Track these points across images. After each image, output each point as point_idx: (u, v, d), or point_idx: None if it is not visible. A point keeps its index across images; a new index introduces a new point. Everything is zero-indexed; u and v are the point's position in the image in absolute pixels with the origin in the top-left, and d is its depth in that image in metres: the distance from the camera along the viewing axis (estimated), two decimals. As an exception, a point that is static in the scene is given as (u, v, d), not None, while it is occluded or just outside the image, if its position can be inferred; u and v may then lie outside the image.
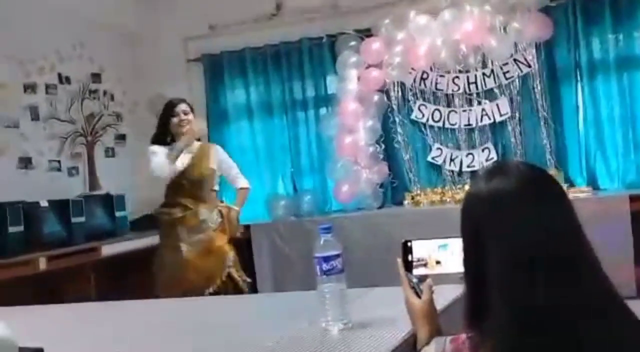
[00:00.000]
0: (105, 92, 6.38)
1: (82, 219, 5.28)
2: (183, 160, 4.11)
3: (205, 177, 4.18)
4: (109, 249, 5.39)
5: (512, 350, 1.16)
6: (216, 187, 4.34)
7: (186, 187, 4.15)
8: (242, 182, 4.41)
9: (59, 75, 5.89)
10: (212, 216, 4.17)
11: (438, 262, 1.54)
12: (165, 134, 4.19)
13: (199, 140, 4.29)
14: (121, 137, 6.53)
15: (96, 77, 6.28)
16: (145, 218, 6.36)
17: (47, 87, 5.75)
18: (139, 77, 6.70)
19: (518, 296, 1.16)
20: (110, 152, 6.38)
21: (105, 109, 6.36)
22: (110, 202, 5.72)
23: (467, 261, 1.29)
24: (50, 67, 5.80)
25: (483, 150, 5.89)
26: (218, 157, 4.30)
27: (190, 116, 4.19)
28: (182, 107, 4.18)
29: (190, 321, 2.17)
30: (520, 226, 1.20)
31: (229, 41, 6.61)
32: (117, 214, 5.74)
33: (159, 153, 4.09)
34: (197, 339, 1.90)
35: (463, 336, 1.29)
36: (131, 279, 5.74)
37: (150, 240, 5.95)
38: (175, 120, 4.15)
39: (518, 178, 1.24)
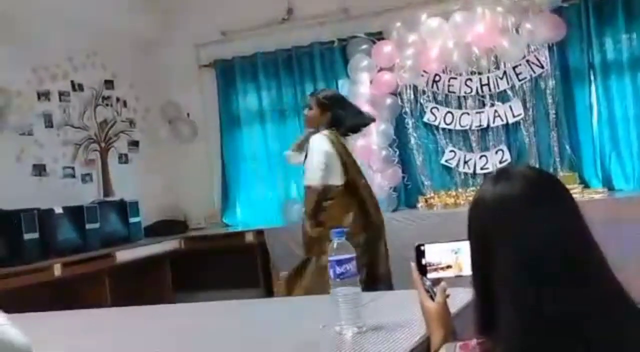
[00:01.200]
0: (118, 99, 6.42)
1: (96, 225, 5.31)
2: None
3: None
4: (123, 255, 5.42)
5: None
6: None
7: None
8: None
9: (72, 82, 5.93)
10: None
11: (449, 266, 1.54)
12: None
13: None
14: (134, 144, 6.56)
15: (109, 84, 6.32)
16: (159, 224, 6.41)
17: (61, 94, 5.80)
18: (152, 84, 6.74)
19: (526, 300, 1.16)
20: (123, 159, 6.41)
21: (118, 116, 6.40)
22: (124, 209, 5.75)
23: (475, 266, 1.28)
24: (64, 75, 5.85)
25: (496, 152, 5.86)
26: None
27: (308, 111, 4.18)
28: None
29: (206, 325, 2.17)
30: (526, 229, 1.19)
31: (240, 46, 6.64)
32: (131, 220, 5.77)
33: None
34: (213, 343, 1.90)
35: (473, 341, 1.28)
36: (146, 285, 5.78)
37: (165, 245, 6.01)
38: None
39: (523, 182, 1.23)
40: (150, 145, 6.73)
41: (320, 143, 3.95)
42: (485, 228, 1.24)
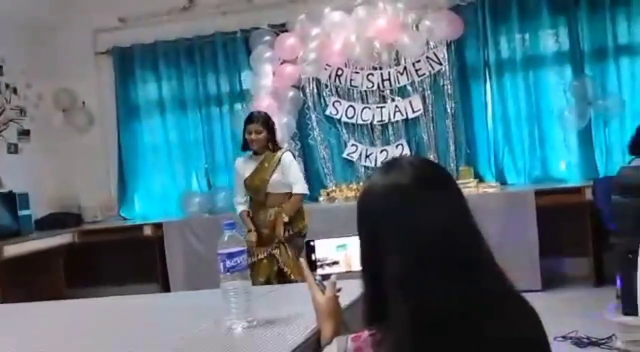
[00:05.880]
0: (7, 85, 6.08)
1: (-19, 218, 5.05)
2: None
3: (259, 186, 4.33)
4: (12, 250, 5.20)
5: (412, 348, 1.15)
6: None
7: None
8: (295, 188, 4.36)
9: (-44, 66, 5.58)
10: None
11: (335, 262, 1.54)
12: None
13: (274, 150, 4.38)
14: (25, 133, 6.25)
15: (-3, 69, 5.99)
16: (52, 217, 6.14)
17: (-58, 79, 5.45)
18: (45, 70, 6.43)
19: (415, 293, 1.15)
20: (12, 148, 6.09)
21: (8, 103, 6.06)
22: (13, 201, 5.50)
23: (364, 258, 1.27)
24: (-54, 58, 5.49)
25: (397, 147, 5.97)
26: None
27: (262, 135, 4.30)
28: (254, 126, 4.30)
29: (97, 322, 2.09)
30: (416, 215, 1.19)
31: (140, 34, 6.45)
32: (21, 213, 5.54)
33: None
34: (102, 339, 1.82)
35: (365, 333, 1.27)
36: (37, 280, 5.54)
37: (58, 239, 5.76)
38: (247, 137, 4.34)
39: (412, 171, 1.24)
40: (42, 135, 6.43)
41: (293, 159, 4.44)
42: (375, 217, 1.24)
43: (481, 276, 1.19)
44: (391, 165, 1.28)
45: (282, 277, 4.16)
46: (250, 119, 4.37)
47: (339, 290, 1.52)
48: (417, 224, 1.18)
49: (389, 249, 1.19)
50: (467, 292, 1.16)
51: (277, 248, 4.21)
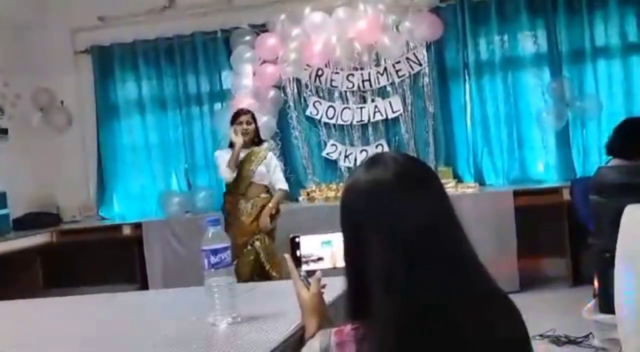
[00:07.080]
0: (-16, 84, 6.02)
1: (-43, 217, 4.99)
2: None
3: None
4: (-12, 250, 5.12)
5: (395, 344, 1.16)
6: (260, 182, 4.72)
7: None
8: (280, 184, 4.79)
9: None
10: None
11: (321, 259, 1.54)
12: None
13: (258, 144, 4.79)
14: (3, 132, 6.18)
15: (-27, 67, 5.93)
16: (30, 216, 6.08)
17: None
18: (23, 69, 6.36)
19: (398, 290, 1.16)
20: (-11, 147, 6.03)
21: (-17, 102, 6.00)
22: (-10, 200, 5.43)
23: (347, 255, 1.28)
24: None
25: (376, 147, 5.99)
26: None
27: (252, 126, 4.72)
28: (246, 117, 4.70)
29: (78, 319, 2.07)
30: (399, 211, 1.20)
31: (119, 33, 6.41)
32: (-2, 212, 5.47)
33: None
34: (82, 336, 1.80)
35: (348, 327, 1.28)
36: (14, 281, 5.48)
37: (35, 239, 5.71)
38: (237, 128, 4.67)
39: (395, 167, 1.24)
40: (20, 134, 6.36)
41: (276, 159, 4.93)
42: (358, 213, 1.24)
43: (464, 274, 1.20)
44: (374, 161, 1.28)
45: (262, 272, 4.50)
46: (242, 110, 4.81)
47: (323, 286, 1.53)
48: (399, 221, 1.19)
49: (371, 245, 1.20)
50: (449, 290, 1.17)
51: (258, 240, 4.58)
